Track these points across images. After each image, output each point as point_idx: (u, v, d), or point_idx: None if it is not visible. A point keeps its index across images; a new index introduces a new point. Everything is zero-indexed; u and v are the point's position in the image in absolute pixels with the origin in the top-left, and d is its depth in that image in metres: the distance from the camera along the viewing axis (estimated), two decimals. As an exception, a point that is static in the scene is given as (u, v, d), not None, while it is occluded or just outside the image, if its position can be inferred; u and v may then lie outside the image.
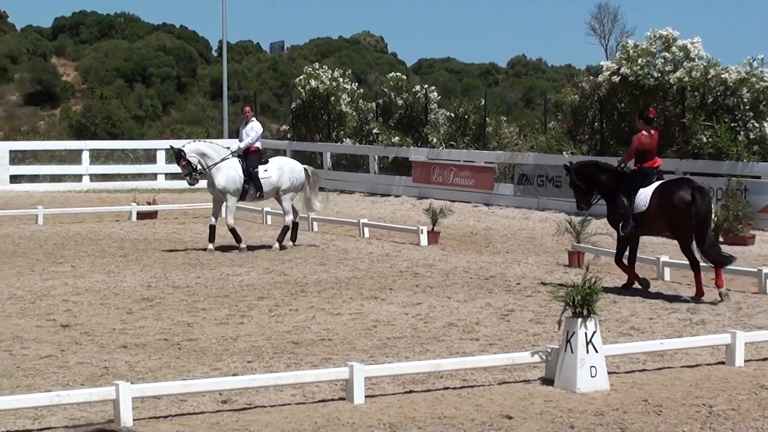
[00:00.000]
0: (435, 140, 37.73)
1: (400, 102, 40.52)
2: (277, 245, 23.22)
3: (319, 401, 11.33)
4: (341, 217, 29.55)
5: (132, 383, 10.63)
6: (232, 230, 23.25)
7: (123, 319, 15.75)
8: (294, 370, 12.15)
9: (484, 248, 24.14)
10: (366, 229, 26.09)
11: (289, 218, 23.66)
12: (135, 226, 28.35)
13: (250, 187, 23.33)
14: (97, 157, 43.88)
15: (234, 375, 12.09)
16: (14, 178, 41.29)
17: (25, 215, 29.71)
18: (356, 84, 45.46)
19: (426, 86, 41.12)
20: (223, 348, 13.83)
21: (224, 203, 23.48)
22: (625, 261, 18.43)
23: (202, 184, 24.82)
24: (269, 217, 28.93)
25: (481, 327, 15.24)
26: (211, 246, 22.97)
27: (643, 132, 18.20)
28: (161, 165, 43.27)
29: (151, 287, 18.55)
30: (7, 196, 37.65)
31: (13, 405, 10.37)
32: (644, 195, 17.73)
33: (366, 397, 11.26)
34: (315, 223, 27.22)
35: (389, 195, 37.54)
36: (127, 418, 10.25)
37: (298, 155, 42.91)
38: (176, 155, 23.41)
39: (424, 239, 24.33)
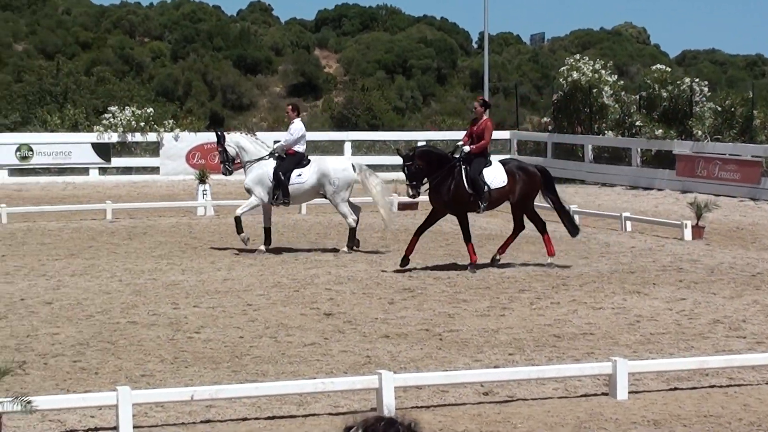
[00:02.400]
0: (700, 133, 36.88)
1: (664, 94, 39.75)
2: (345, 249, 21.99)
3: (581, 396, 11.27)
4: (603, 210, 29.23)
5: (394, 373, 10.83)
6: (237, 219, 22.16)
7: (385, 308, 16.05)
8: (556, 364, 12.13)
9: (751, 244, 23.46)
10: (628, 223, 25.74)
11: (351, 219, 22.19)
12: (395, 217, 28.79)
13: (278, 191, 22.15)
14: (359, 148, 44.83)
15: (495, 367, 12.16)
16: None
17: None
18: (618, 76, 44.86)
19: (696, 80, 40.27)
20: (484, 340, 13.91)
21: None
22: None
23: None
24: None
25: (748, 325, 14.85)
26: (262, 247, 21.96)
27: None
28: (421, 156, 43.84)
29: (413, 278, 18.82)
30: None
31: (279, 391, 10.73)
32: None
33: (629, 393, 11.13)
34: (576, 217, 27.01)
35: (651, 188, 36.87)
36: (390, 406, 10.43)
37: (558, 147, 42.71)
38: (217, 139, 23.12)
39: (688, 234, 23.83)
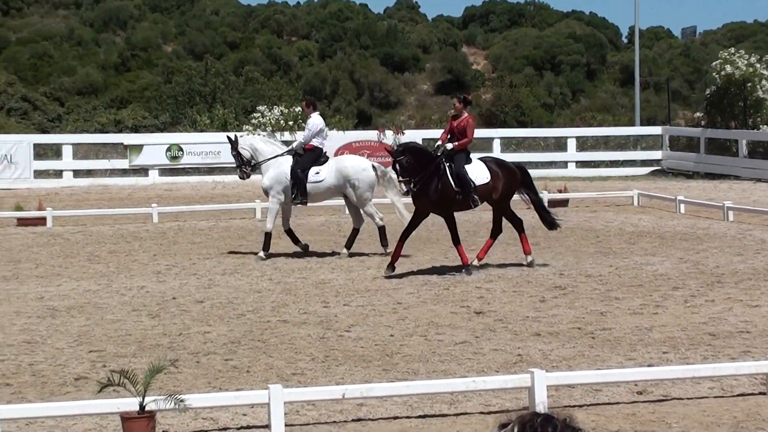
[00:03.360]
0: None
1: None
2: (383, 249, 21.57)
3: (738, 395, 11.06)
4: (758, 206, 28.60)
5: (546, 371, 10.77)
6: (267, 234, 21.58)
7: (536, 306, 15.97)
8: (712, 363, 11.91)
9: None
10: (786, 219, 25.16)
11: (378, 219, 21.79)
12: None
13: (296, 190, 21.64)
14: (507, 145, 44.68)
15: (649, 366, 11.99)
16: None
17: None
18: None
19: None
20: (638, 338, 13.74)
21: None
22: None
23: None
24: (682, 206, 28.44)
25: None
26: (262, 253, 21.55)
27: None
28: (572, 153, 43.52)
29: (564, 275, 18.69)
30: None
31: (430, 390, 10.74)
32: None
33: (788, 393, 10.89)
34: (731, 213, 26.49)
35: (811, 183, 35.97)
36: (542, 405, 10.35)
37: (712, 143, 41.88)
38: (230, 144, 22.63)
39: None
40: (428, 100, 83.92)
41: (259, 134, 23.18)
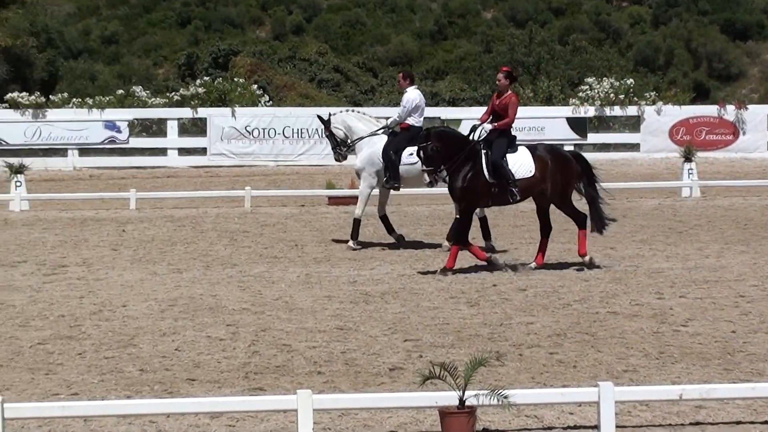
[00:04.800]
0: None
1: None
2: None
3: None
4: None
5: None
6: (356, 221, 21.52)
7: None
8: None
9: None
10: None
11: None
12: None
13: (387, 173, 21.06)
14: None
15: None
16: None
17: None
18: None
19: None
20: None
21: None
22: None
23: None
24: None
25: None
26: (395, 235, 21.77)
27: None
28: None
29: None
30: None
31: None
32: None
33: None
34: None
35: None
36: None
37: None
38: (323, 124, 22.07)
39: None
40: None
41: (352, 111, 22.54)
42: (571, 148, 42.35)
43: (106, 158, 44.45)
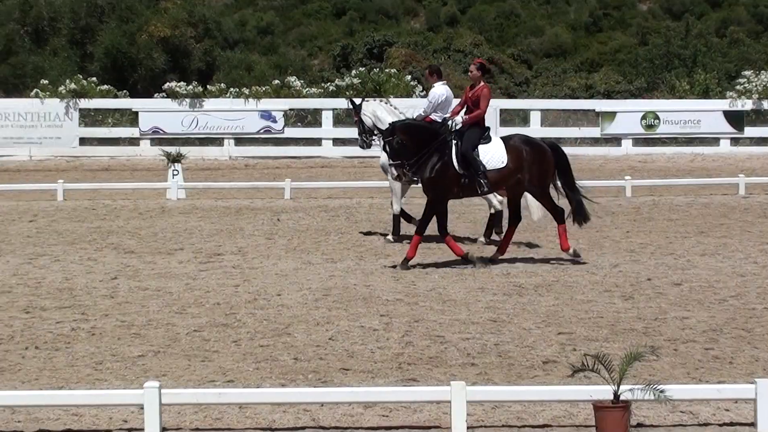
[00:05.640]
0: None
1: None
2: (483, 239, 20.98)
3: None
4: None
5: None
6: (396, 217, 21.59)
7: None
8: None
9: None
10: None
11: (497, 202, 21.12)
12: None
13: None
14: None
15: None
16: None
17: None
18: None
19: None
20: None
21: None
22: None
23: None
24: None
25: None
26: (391, 237, 21.54)
27: None
28: None
29: None
30: None
31: None
32: None
33: None
34: None
35: None
36: None
37: None
38: (353, 109, 21.75)
39: None
40: None
41: (383, 102, 22.26)
42: (728, 142, 41.91)
43: (261, 148, 45.05)
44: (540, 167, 18.64)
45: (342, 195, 30.28)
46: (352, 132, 44.28)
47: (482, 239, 21.15)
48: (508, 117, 44.40)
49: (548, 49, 75.12)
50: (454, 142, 18.42)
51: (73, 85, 45.87)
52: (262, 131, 44.99)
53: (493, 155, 18.43)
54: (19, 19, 63.95)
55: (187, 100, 45.27)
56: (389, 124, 19.27)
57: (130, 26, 61.50)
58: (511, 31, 77.74)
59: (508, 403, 10.45)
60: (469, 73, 19.41)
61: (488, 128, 19.02)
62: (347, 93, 44.95)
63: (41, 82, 47.73)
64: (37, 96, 45.94)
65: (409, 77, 49.15)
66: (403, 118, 21.10)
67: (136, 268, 18.57)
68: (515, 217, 19.00)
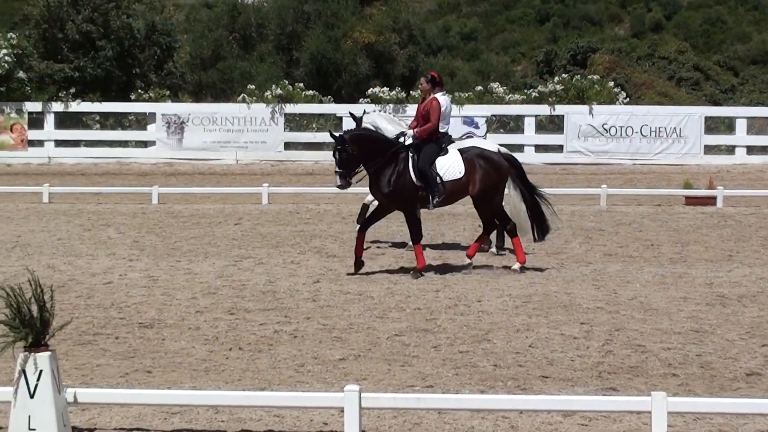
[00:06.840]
0: None
1: None
2: (494, 249, 21.10)
3: None
4: None
5: None
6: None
7: None
8: None
9: None
10: None
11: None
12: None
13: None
14: None
15: None
16: None
17: None
18: None
19: None
20: None
21: None
22: None
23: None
24: None
25: None
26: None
27: None
28: None
29: None
30: None
31: None
32: None
33: None
34: None
35: None
36: None
37: None
38: (354, 121, 20.96)
39: None
40: None
41: (383, 112, 21.79)
42: None
43: (463, 154, 45.09)
44: (492, 179, 18.65)
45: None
46: (555, 139, 44.36)
47: (493, 249, 21.20)
48: (713, 124, 43.61)
49: (755, 55, 73.48)
50: (411, 155, 18.54)
51: (279, 90, 46.68)
52: (464, 137, 44.95)
53: (450, 166, 18.63)
54: (228, 25, 65.37)
55: (391, 105, 45.63)
56: (341, 133, 19.11)
57: (336, 32, 62.22)
58: (717, 38, 76.35)
59: (709, 415, 10.29)
60: (420, 86, 19.52)
61: (444, 140, 18.99)
62: (549, 99, 44.77)
63: (248, 87, 48.62)
64: (244, 101, 46.85)
65: (612, 84, 48.67)
66: (404, 126, 20.75)
67: (338, 271, 18.82)
68: (507, 221, 19.08)
